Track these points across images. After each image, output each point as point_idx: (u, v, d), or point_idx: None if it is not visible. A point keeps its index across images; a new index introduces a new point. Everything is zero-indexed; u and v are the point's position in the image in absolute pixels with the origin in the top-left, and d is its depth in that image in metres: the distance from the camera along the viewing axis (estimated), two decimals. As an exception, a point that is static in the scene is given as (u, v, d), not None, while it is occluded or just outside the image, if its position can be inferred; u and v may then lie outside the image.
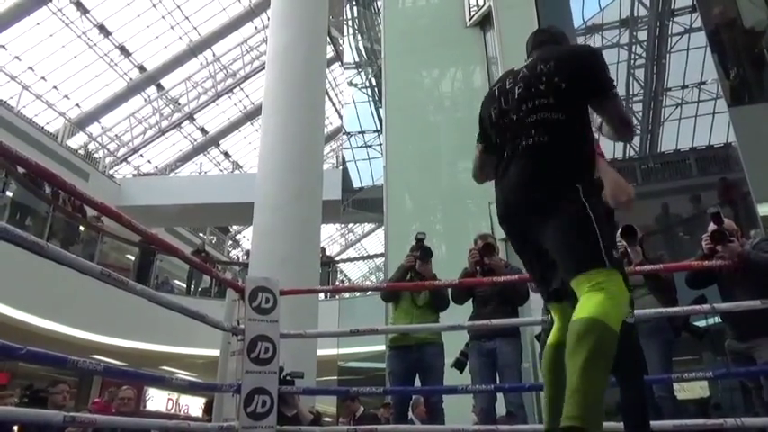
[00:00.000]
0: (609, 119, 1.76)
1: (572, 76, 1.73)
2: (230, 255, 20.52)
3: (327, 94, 17.44)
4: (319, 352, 7.94)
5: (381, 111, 9.13)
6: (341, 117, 17.75)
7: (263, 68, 9.03)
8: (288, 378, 4.12)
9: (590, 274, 1.56)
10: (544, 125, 1.71)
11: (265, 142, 7.56)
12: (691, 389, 5.93)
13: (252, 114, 18.74)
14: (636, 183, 9.00)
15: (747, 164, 5.38)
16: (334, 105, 19.43)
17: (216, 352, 3.46)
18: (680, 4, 8.84)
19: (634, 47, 10.57)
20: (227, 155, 20.20)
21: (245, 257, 14.41)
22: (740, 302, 2.97)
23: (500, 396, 3.66)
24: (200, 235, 18.00)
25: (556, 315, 1.83)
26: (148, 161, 18.74)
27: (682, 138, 9.38)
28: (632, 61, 10.77)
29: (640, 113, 11.40)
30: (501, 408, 3.73)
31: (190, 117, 18.37)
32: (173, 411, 13.34)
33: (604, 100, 1.73)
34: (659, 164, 8.96)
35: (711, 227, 3.16)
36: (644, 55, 10.49)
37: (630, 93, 11.37)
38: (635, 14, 10.12)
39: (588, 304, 1.52)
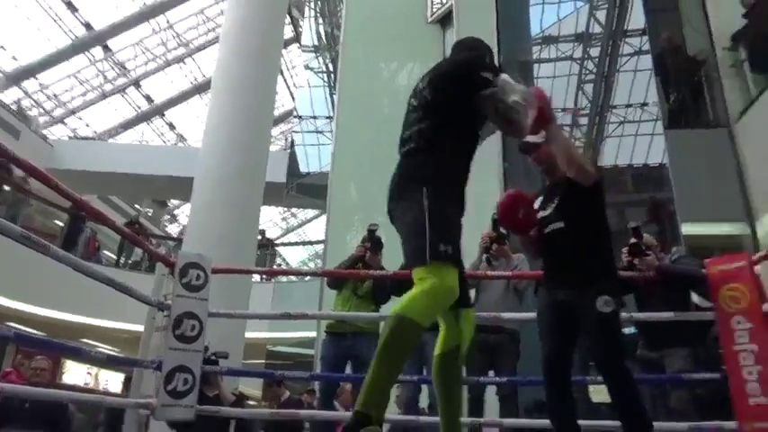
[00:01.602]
0: (490, 117, 1.82)
1: (436, 88, 1.86)
2: (167, 229, 19.91)
3: (282, 74, 17.14)
4: (249, 334, 7.83)
5: (336, 97, 9.05)
6: (294, 99, 17.47)
7: (218, 41, 8.75)
8: (212, 358, 4.05)
9: (417, 270, 1.64)
10: (414, 137, 1.85)
11: (212, 117, 7.34)
12: (605, 391, 6.21)
13: (202, 87, 18.17)
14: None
15: (676, 185, 5.67)
16: (288, 87, 19.11)
17: (142, 328, 3.34)
18: (632, 26, 9.16)
19: (586, 62, 10.92)
20: (172, 126, 19.53)
21: (182, 233, 14.02)
22: (655, 313, 3.13)
23: (425, 388, 3.72)
24: (136, 206, 17.37)
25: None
26: (87, 125, 17.89)
27: (621, 154, 9.77)
28: (583, 76, 11.14)
29: (585, 127, 11.83)
30: (425, 399, 3.80)
31: (136, 83, 17.64)
32: (91, 386, 12.86)
33: (483, 101, 1.79)
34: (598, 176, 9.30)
35: (631, 240, 3.35)
36: (594, 71, 10.85)
37: (578, 105, 11.77)
38: (590, 30, 10.43)
39: (402, 300, 1.60)
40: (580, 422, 3.22)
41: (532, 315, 3.91)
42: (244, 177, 6.73)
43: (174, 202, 20.52)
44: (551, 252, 2.49)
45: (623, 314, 3.42)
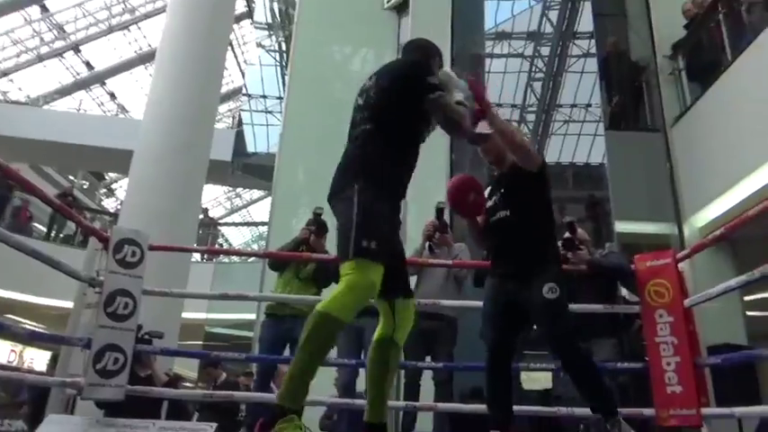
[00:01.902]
0: (437, 120, 1.86)
1: (383, 89, 1.90)
2: (103, 204, 19.11)
3: (233, 50, 16.68)
4: (186, 315, 7.66)
5: (287, 78, 8.89)
6: (243, 77, 17.04)
7: (166, 10, 8.41)
8: (146, 337, 3.95)
9: (343, 265, 1.69)
10: (357, 136, 1.90)
11: (156, 89, 7.06)
12: (536, 380, 6.45)
13: (147, 57, 17.43)
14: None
15: (612, 184, 5.91)
16: (238, 64, 18.61)
17: (71, 304, 3.21)
18: (582, 28, 9.42)
19: (536, 60, 11.17)
20: (113, 96, 18.67)
21: (119, 208, 13.50)
22: (586, 305, 3.27)
23: (362, 372, 3.75)
24: (71, 178, 16.57)
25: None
26: (19, 88, 16.87)
27: (564, 152, 10.08)
28: (532, 73, 11.40)
29: (532, 124, 12.13)
30: (362, 384, 3.83)
31: (75, 48, 16.73)
32: (15, 364, 12.27)
33: (428, 105, 1.83)
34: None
35: (566, 235, 3.48)
36: (543, 69, 11.13)
37: (526, 103, 12.05)
38: (541, 30, 10.66)
39: (327, 296, 1.68)
40: (515, 408, 3.35)
41: (471, 303, 4.02)
42: (186, 153, 6.52)
43: (111, 175, 19.68)
44: (498, 240, 2.52)
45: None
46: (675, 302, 3.00)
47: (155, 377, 4.26)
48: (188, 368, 10.97)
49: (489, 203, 2.54)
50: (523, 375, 3.79)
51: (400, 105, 1.86)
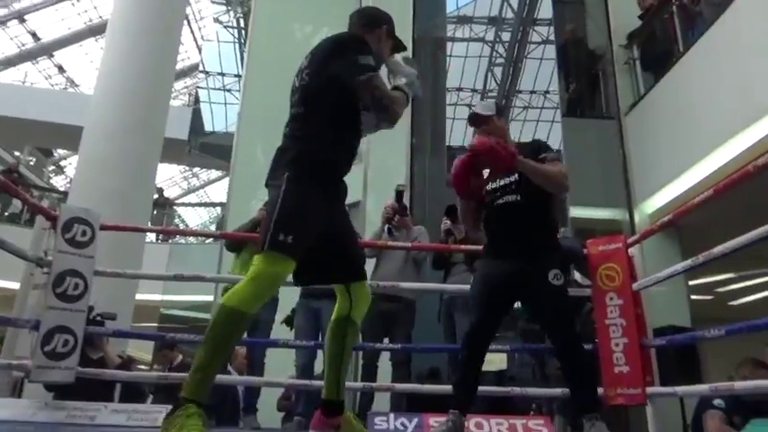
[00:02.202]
0: (366, 102, 1.80)
1: (315, 68, 1.84)
2: (51, 181, 18.37)
3: (189, 25, 16.16)
4: (141, 296, 7.49)
5: (245, 55, 8.69)
6: (200, 53, 16.57)
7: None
8: (98, 319, 3.85)
9: (257, 256, 1.69)
10: (291, 120, 1.86)
11: (107, 63, 6.78)
12: (492, 361, 6.60)
13: (98, 29, 16.72)
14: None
15: (568, 170, 6.04)
16: (195, 39, 18.06)
17: (18, 285, 3.09)
18: (542, 15, 9.52)
19: (497, 45, 11.27)
20: (61, 69, 17.86)
21: (69, 186, 13.00)
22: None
23: (320, 354, 3.76)
24: (16, 153, 15.84)
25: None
26: (-41, 58, 15.96)
27: (524, 138, 10.25)
28: (493, 59, 11.49)
29: (492, 109, 12.24)
30: (321, 366, 3.84)
31: (19, 17, 15.88)
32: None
33: (357, 88, 1.76)
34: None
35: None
36: (504, 55, 11.24)
37: (487, 88, 12.16)
38: (502, 15, 10.73)
39: (232, 288, 1.68)
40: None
41: (430, 285, 4.07)
42: (140, 131, 6.31)
43: (60, 151, 18.91)
44: (502, 224, 2.49)
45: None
46: (625, 286, 3.11)
47: (107, 359, 4.17)
48: (144, 351, 10.78)
49: (493, 185, 2.51)
50: (479, 356, 3.87)
51: (331, 87, 1.79)
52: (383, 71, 1.97)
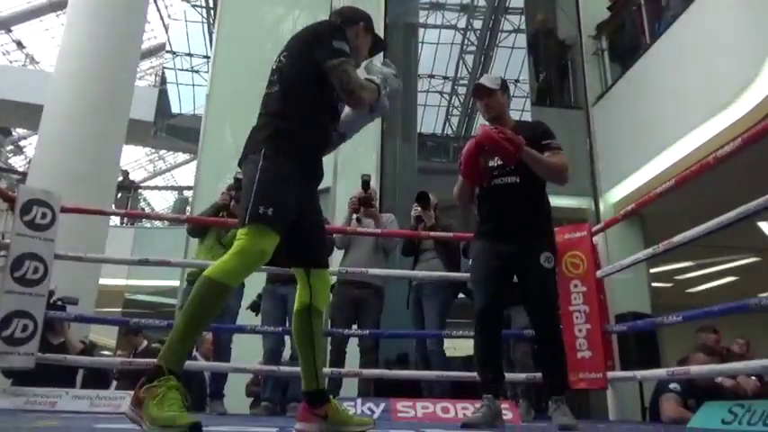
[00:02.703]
0: (338, 89, 1.81)
1: (292, 51, 1.88)
2: (9, 162, 17.75)
3: (156, 3, 15.70)
4: (105, 281, 7.34)
5: (214, 36, 8.51)
6: (167, 32, 16.14)
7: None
8: (58, 303, 3.77)
9: (240, 231, 1.68)
10: (264, 101, 1.87)
11: (69, 40, 6.53)
12: (460, 347, 6.70)
13: (59, 5, 16.11)
14: (447, 159, 9.73)
15: (537, 158, 6.12)
16: (162, 18, 17.58)
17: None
18: (513, 4, 9.55)
19: (469, 33, 11.27)
20: (20, 44, 17.19)
21: (28, 167, 12.59)
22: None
23: (288, 340, 3.75)
24: (-28, 132, 15.25)
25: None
26: None
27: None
28: (465, 46, 11.51)
29: (464, 96, 12.30)
30: (288, 351, 3.84)
31: (-25, -11, 15.20)
32: None
33: (328, 72, 1.78)
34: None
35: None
36: (476, 43, 11.26)
37: (458, 76, 12.18)
38: (474, 3, 10.74)
39: (215, 261, 1.67)
40: (437, 373, 3.47)
41: (399, 272, 4.09)
42: (103, 111, 6.12)
43: (19, 131, 18.26)
44: (498, 205, 2.49)
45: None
46: (589, 273, 3.18)
47: (68, 345, 4.08)
48: (108, 336, 10.58)
49: (491, 163, 2.49)
50: (447, 343, 3.92)
51: (305, 68, 1.82)
52: (361, 71, 1.98)
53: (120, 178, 11.66)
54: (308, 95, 1.82)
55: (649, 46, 5.71)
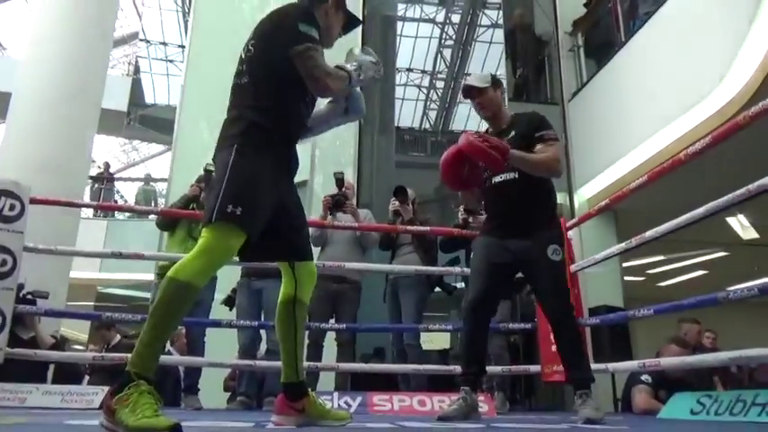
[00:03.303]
0: (303, 77, 1.76)
1: (257, 40, 1.81)
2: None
3: (129, -10, 15.35)
4: (77, 274, 7.21)
5: (190, 25, 8.37)
6: (141, 20, 15.81)
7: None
8: (28, 297, 3.69)
9: (205, 228, 1.64)
10: (234, 91, 1.81)
11: (38, 27, 6.36)
12: (437, 341, 6.75)
13: (28, -10, 15.66)
14: (425, 153, 9.75)
15: (513, 154, 6.17)
16: (135, 5, 17.20)
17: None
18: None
19: (447, 27, 11.29)
20: (-13, 31, 16.66)
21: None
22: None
23: (264, 334, 3.73)
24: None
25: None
26: None
27: (471, 120, 10.36)
28: (443, 40, 11.53)
29: (441, 90, 12.33)
30: (264, 346, 3.82)
31: (-61, -28, 14.69)
32: None
33: (293, 58, 1.73)
34: (446, 140, 9.79)
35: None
36: (454, 37, 11.28)
37: (436, 69, 12.20)
38: (453, -2, 10.75)
39: (180, 260, 1.63)
40: (414, 367, 3.48)
41: (376, 266, 4.10)
42: (75, 99, 5.96)
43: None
44: (500, 201, 2.48)
45: (456, 269, 3.72)
46: (563, 267, 3.21)
47: (39, 339, 4.00)
48: (80, 331, 10.40)
49: None
50: (424, 336, 3.94)
51: (274, 56, 1.75)
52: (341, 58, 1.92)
53: (101, 170, 11.45)
54: (281, 86, 1.76)
55: (624, 43, 5.79)
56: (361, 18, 6.30)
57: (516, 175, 2.39)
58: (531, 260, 2.35)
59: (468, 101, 2.61)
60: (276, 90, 1.76)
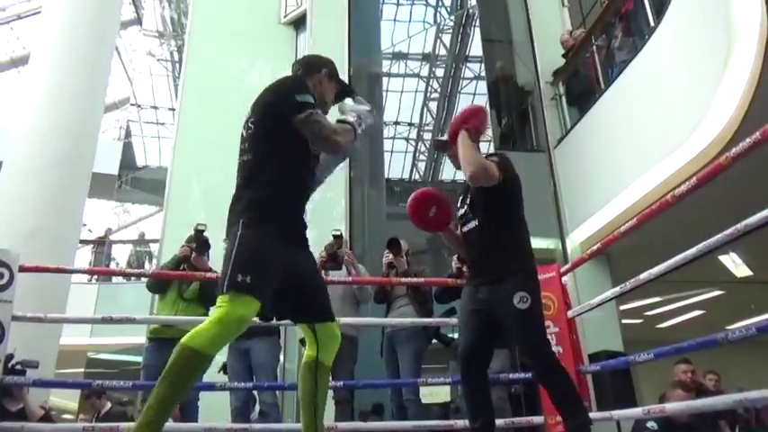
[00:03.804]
0: (311, 141, 1.83)
1: (257, 115, 1.88)
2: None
3: (120, 57, 15.77)
4: (67, 340, 7.04)
5: (179, 89, 8.55)
6: (132, 86, 16.13)
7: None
8: (18, 368, 3.58)
9: (219, 298, 1.70)
10: (239, 169, 1.89)
11: (30, 97, 6.47)
12: (437, 394, 6.59)
13: (20, 60, 16.01)
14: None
15: (504, 201, 6.22)
16: (126, 72, 17.59)
17: None
18: (473, 53, 9.89)
19: (432, 81, 11.60)
20: (-21, 101, 16.92)
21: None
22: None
23: (257, 395, 3.64)
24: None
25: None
26: None
27: (460, 171, 10.47)
28: (428, 93, 11.81)
29: (428, 141, 12.53)
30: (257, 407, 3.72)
31: (-66, 47, 15.03)
32: None
33: (299, 127, 1.79)
34: (438, 189, 9.86)
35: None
36: (438, 90, 11.58)
37: (423, 122, 12.45)
38: (436, 51, 11.08)
39: (193, 329, 1.68)
40: (414, 423, 3.39)
41: (371, 320, 4.05)
42: (66, 166, 6.00)
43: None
44: (470, 250, 2.51)
45: (453, 320, 3.68)
46: (560, 314, 3.20)
47: (28, 411, 3.86)
48: (69, 399, 10.07)
49: (461, 212, 2.54)
50: (422, 390, 3.86)
51: (273, 131, 1.83)
52: (332, 114, 1.99)
53: (102, 234, 11.41)
54: (279, 157, 1.82)
55: (604, 90, 5.95)
56: (348, 77, 6.49)
57: (476, 223, 2.41)
58: (497, 310, 2.30)
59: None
60: (277, 162, 1.82)
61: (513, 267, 2.35)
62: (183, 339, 1.61)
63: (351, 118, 1.91)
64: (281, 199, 1.81)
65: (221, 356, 3.90)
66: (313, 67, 2.03)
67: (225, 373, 3.90)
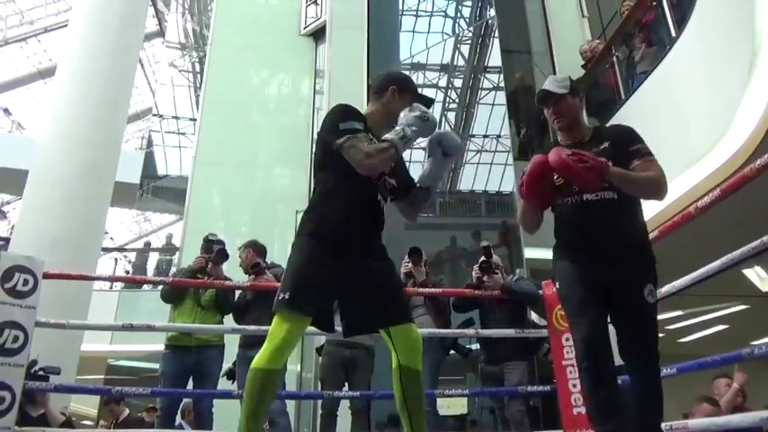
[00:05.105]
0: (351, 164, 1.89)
1: (318, 144, 2.04)
2: (-8, 227, 17.53)
3: (143, 69, 16.06)
4: (87, 347, 7.14)
5: (201, 100, 8.68)
6: (154, 96, 16.41)
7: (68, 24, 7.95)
8: (40, 373, 3.64)
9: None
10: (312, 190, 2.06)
11: (56, 107, 6.62)
12: (454, 406, 6.53)
13: (47, 72, 16.39)
14: (433, 214, 9.81)
15: (522, 212, 6.18)
16: (149, 83, 17.92)
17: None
18: (492, 63, 9.89)
19: (450, 91, 11.61)
20: (7, 111, 17.33)
21: (12, 232, 12.43)
22: (499, 330, 3.37)
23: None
24: (-45, 198, 15.12)
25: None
26: None
27: (478, 181, 10.46)
28: (447, 104, 11.82)
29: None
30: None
31: (-36, 59, 15.47)
32: None
33: (340, 151, 1.87)
34: (454, 200, 9.86)
35: (482, 258, 3.58)
36: (457, 101, 11.58)
37: (441, 132, 12.44)
38: (454, 62, 11.11)
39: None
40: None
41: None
42: (89, 175, 6.13)
43: (3, 196, 18.15)
44: (591, 225, 2.11)
45: (471, 331, 3.66)
46: (581, 326, 3.14)
47: (49, 417, 3.92)
48: (89, 405, 10.19)
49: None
50: (441, 402, 3.83)
51: (324, 156, 1.97)
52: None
53: (142, 245, 11.59)
54: (335, 179, 1.94)
55: (624, 101, 5.89)
56: (366, 88, 6.52)
57: (615, 196, 2.06)
58: (623, 298, 2.06)
59: (544, 108, 2.35)
60: (334, 183, 1.94)
61: (648, 255, 2.14)
62: (253, 364, 1.78)
63: (391, 134, 1.91)
64: (327, 215, 1.91)
65: (226, 363, 3.93)
66: (381, 87, 2.09)
67: (228, 378, 3.90)
